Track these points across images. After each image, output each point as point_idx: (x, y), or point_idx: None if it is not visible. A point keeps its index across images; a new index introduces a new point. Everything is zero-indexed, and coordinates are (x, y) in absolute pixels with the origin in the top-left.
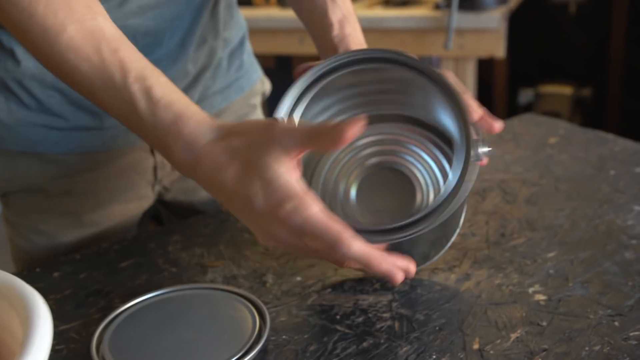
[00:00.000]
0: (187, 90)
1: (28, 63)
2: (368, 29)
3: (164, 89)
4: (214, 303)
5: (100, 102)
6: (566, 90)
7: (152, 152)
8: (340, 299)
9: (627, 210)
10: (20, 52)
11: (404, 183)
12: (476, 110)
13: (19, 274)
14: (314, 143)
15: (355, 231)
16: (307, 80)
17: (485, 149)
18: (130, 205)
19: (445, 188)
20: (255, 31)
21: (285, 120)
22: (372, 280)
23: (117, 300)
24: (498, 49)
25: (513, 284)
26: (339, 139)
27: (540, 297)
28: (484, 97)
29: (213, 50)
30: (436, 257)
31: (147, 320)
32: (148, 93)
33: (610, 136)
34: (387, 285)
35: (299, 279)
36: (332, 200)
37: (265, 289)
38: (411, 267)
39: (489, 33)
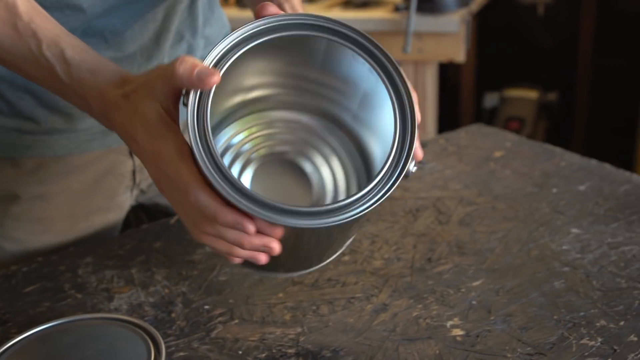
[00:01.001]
0: None
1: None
2: None
3: (75, 50)
4: (111, 336)
5: (27, 75)
6: (532, 94)
7: (130, 154)
8: (246, 331)
9: (564, 233)
10: None
11: (301, 182)
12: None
13: None
14: (185, 82)
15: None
16: (241, 34)
17: (414, 167)
18: (110, 214)
19: (363, 192)
20: None
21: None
22: (282, 311)
23: (14, 329)
24: (458, 53)
25: (431, 317)
26: (202, 84)
27: (458, 332)
28: (450, 100)
29: (192, 47)
30: (320, 265)
31: (40, 353)
32: (62, 56)
33: (558, 150)
34: (297, 316)
35: (207, 307)
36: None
37: (170, 319)
38: (274, 244)
39: (448, 37)
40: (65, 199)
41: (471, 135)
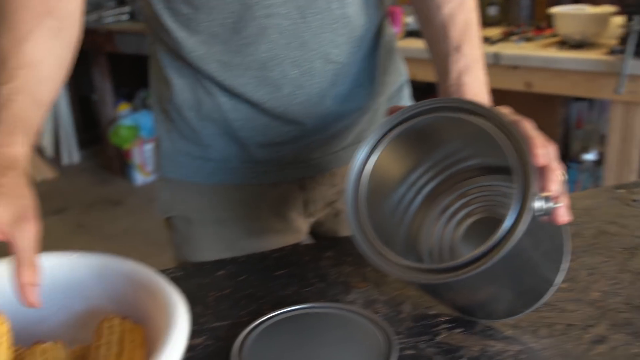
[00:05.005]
0: (343, 130)
1: (184, 94)
2: (541, 68)
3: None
4: (349, 325)
5: None
6: None
7: (301, 187)
8: (469, 341)
9: None
10: (177, 83)
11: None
12: (544, 159)
13: (192, 265)
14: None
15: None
16: (389, 123)
17: (550, 204)
18: (288, 237)
19: (496, 236)
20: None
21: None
22: (503, 327)
23: (266, 307)
24: None
25: None
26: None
27: None
28: None
29: (371, 94)
30: (525, 312)
31: (288, 331)
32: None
33: None
34: (517, 334)
35: (433, 312)
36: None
37: (399, 319)
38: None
39: None
40: (242, 225)
41: None
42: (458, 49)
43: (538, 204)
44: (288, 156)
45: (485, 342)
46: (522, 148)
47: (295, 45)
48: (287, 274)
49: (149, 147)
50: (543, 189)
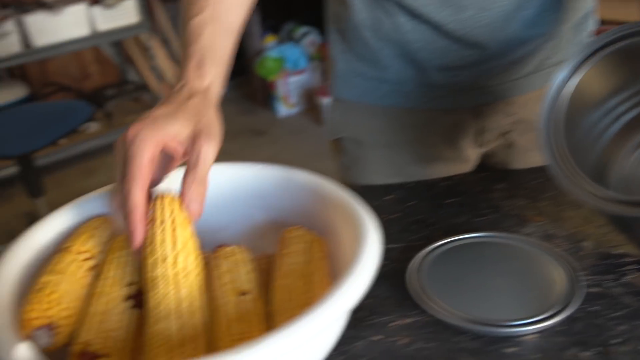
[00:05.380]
0: (525, 57)
1: (363, 14)
2: None
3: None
4: (528, 257)
5: None
6: None
7: (475, 115)
8: None
9: None
10: (356, 2)
11: None
12: None
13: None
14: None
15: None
16: (595, 44)
17: None
18: (455, 165)
19: None
20: None
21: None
22: None
23: (439, 233)
24: None
25: None
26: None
27: None
28: None
29: (557, 19)
30: None
31: (464, 258)
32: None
33: None
34: None
35: (619, 252)
36: None
37: (580, 255)
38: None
39: None
40: (412, 149)
41: None
42: None
43: None
44: (465, 81)
45: None
46: None
47: None
48: (457, 202)
49: (293, 80)
50: None
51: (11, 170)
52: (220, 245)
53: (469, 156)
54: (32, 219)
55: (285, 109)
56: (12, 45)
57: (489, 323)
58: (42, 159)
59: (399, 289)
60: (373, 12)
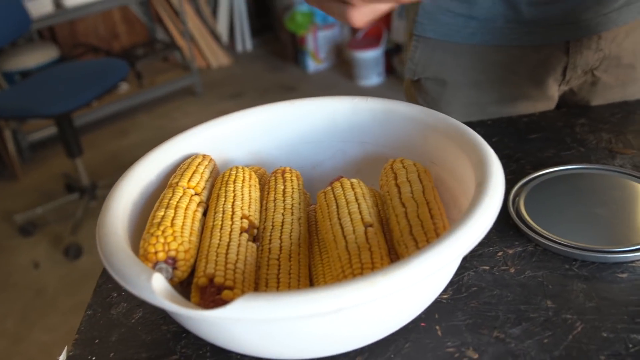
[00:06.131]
0: None
1: None
2: None
3: None
4: (625, 187)
5: None
6: None
7: (565, 51)
8: None
9: None
10: None
11: None
12: None
13: None
14: None
15: None
16: None
17: None
18: (537, 104)
19: None
20: None
21: None
22: None
23: (528, 167)
24: None
25: None
26: None
27: None
28: None
29: None
30: None
31: (558, 190)
32: None
33: None
34: None
35: None
36: None
37: None
38: None
39: None
40: (497, 87)
41: None
42: None
43: None
44: (557, 16)
45: None
46: None
47: None
48: (541, 137)
49: (323, 34)
50: None
51: (44, 132)
52: (339, 178)
53: (553, 94)
54: (69, 179)
55: (314, 64)
56: (44, 6)
57: (599, 250)
58: (76, 120)
59: (500, 220)
60: None
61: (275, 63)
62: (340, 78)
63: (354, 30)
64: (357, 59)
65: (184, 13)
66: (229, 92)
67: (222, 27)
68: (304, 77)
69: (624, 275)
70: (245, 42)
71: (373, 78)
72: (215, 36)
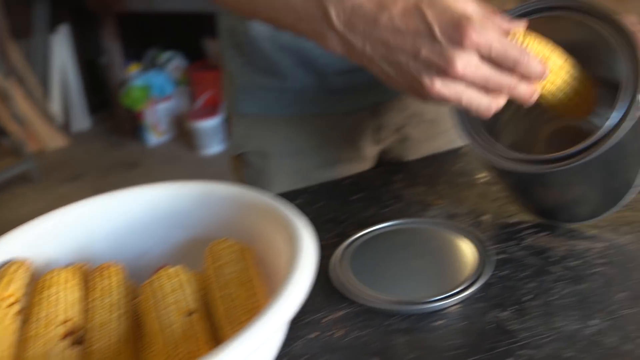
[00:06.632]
0: None
1: (261, 26)
2: None
3: None
4: (438, 237)
5: None
6: None
7: (373, 113)
8: (555, 242)
9: None
10: None
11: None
12: None
13: None
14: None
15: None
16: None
17: None
18: (357, 165)
19: (603, 127)
20: None
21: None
22: (585, 228)
23: (352, 228)
24: None
25: None
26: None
27: None
28: None
29: None
30: (605, 214)
31: (381, 247)
32: None
33: None
34: (601, 234)
35: (514, 220)
36: None
37: (482, 228)
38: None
39: None
40: (316, 154)
41: None
42: None
43: None
44: (363, 83)
45: (571, 242)
46: (632, 43)
47: None
48: (363, 197)
49: (162, 107)
50: None
51: None
52: (163, 266)
53: (368, 154)
54: None
55: (155, 137)
56: None
57: (415, 302)
58: None
59: (324, 285)
60: None
61: (114, 140)
62: (183, 149)
63: (193, 100)
64: (198, 129)
65: (12, 97)
66: (69, 174)
67: (55, 106)
68: (145, 152)
69: (440, 323)
70: (81, 120)
71: (215, 146)
72: (49, 117)
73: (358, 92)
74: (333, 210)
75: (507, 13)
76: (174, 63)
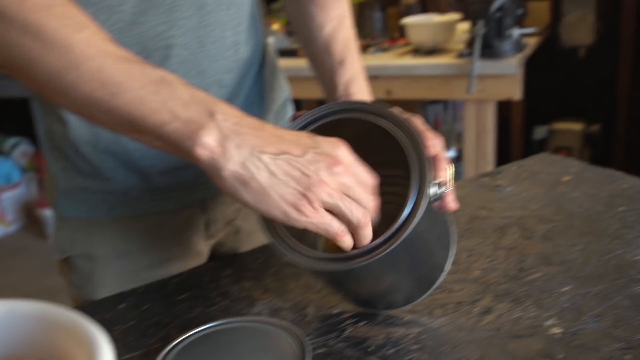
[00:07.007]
0: None
1: (81, 130)
2: (399, 76)
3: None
4: (260, 335)
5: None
6: (577, 126)
7: (202, 209)
8: (373, 331)
9: (635, 245)
10: (71, 119)
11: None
12: (434, 149)
13: (90, 303)
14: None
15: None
16: (294, 127)
17: (442, 189)
18: (189, 262)
19: (399, 220)
20: (300, 79)
21: None
22: (403, 314)
23: (175, 331)
24: (515, 92)
25: (531, 317)
26: None
27: (556, 330)
28: (503, 133)
29: (261, 111)
30: (420, 299)
31: (202, 351)
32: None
33: (619, 174)
34: (415, 318)
35: (337, 311)
36: None
37: (305, 322)
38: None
39: (507, 78)
40: (147, 254)
41: (540, 162)
42: (342, 63)
43: (433, 190)
44: (189, 179)
45: (388, 330)
46: (416, 141)
47: (193, 74)
48: (189, 296)
49: (7, 195)
50: (435, 176)
51: None
52: None
53: (201, 250)
54: None
55: (2, 228)
56: None
57: None
58: None
59: None
60: (91, 127)
61: None
62: (33, 238)
63: (42, 187)
64: (48, 217)
65: None
66: None
67: None
68: None
69: None
70: None
71: None
72: None
73: (184, 189)
74: (157, 314)
75: (294, 123)
76: (21, 149)
